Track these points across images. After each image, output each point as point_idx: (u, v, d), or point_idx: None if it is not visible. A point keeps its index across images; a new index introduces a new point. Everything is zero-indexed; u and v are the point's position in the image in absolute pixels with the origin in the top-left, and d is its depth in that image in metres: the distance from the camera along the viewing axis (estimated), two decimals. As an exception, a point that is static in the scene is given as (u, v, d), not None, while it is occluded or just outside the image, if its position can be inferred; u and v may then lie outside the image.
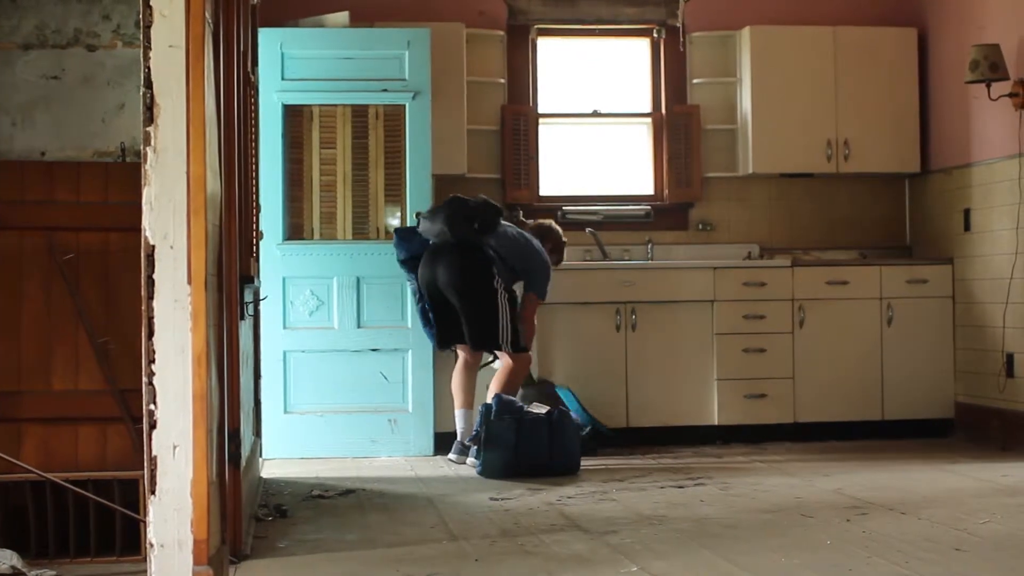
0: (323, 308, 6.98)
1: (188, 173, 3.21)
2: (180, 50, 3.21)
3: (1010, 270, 6.89)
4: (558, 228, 7.05)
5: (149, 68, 3.21)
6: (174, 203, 3.20)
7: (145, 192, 3.22)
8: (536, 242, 6.74)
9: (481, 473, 6.16)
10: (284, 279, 6.96)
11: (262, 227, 6.82)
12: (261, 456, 6.71)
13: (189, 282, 3.20)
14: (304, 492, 5.70)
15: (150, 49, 3.21)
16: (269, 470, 6.47)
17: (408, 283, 6.82)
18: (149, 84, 3.21)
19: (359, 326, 6.98)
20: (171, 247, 3.20)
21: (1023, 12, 6.86)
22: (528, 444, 6.13)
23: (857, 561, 4.08)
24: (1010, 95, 6.85)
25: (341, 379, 6.96)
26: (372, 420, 6.96)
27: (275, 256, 6.91)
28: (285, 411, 6.92)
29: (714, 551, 4.28)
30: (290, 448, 6.88)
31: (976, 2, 7.30)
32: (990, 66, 6.81)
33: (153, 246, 3.21)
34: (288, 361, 6.94)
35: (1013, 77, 6.85)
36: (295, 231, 7.03)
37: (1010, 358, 6.92)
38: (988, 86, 6.89)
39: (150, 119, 3.20)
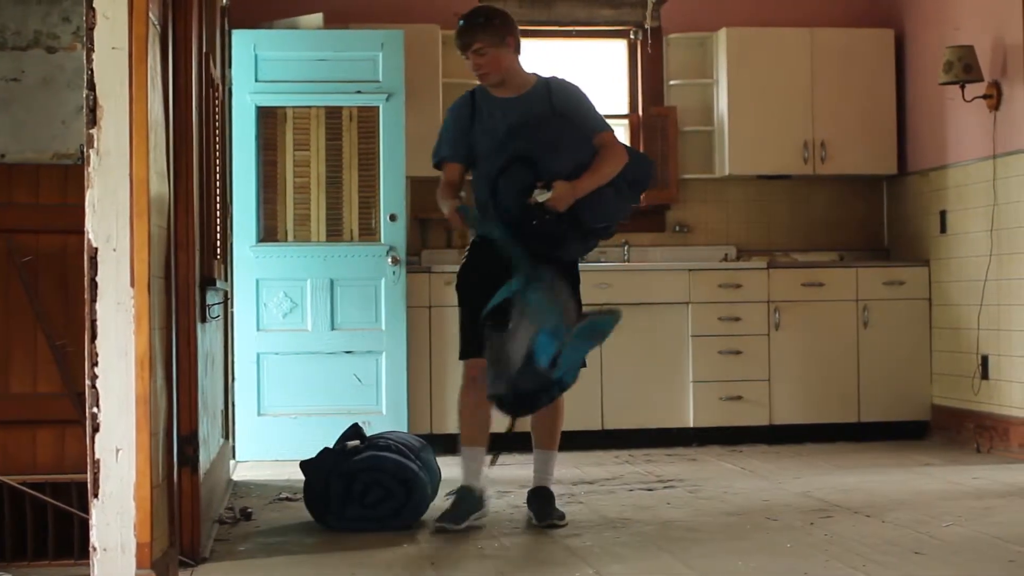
0: (296, 310, 6.96)
1: (131, 176, 3.19)
2: (123, 52, 3.20)
3: (984, 272, 6.87)
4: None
5: (92, 70, 3.20)
6: (117, 206, 3.19)
7: (88, 195, 3.21)
8: None
9: None
10: (257, 281, 6.93)
11: (235, 229, 6.83)
12: (233, 459, 6.71)
13: (132, 285, 3.19)
14: (272, 495, 5.69)
15: (93, 51, 3.19)
16: (241, 472, 6.45)
17: None
18: (92, 86, 3.20)
19: (333, 328, 6.96)
20: (114, 250, 3.19)
21: (997, 13, 6.84)
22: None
23: (814, 565, 4.07)
24: (984, 97, 6.84)
25: (315, 381, 6.93)
26: (346, 422, 6.83)
27: (248, 258, 6.90)
28: (258, 413, 6.89)
29: (673, 554, 4.26)
30: (263, 450, 6.86)
31: (951, 3, 7.28)
32: (964, 67, 6.79)
33: (96, 248, 3.20)
34: (261, 363, 6.92)
35: (987, 79, 6.83)
36: (269, 233, 7.00)
37: (984, 360, 6.91)
38: (962, 88, 6.87)
39: (93, 122, 3.19)
